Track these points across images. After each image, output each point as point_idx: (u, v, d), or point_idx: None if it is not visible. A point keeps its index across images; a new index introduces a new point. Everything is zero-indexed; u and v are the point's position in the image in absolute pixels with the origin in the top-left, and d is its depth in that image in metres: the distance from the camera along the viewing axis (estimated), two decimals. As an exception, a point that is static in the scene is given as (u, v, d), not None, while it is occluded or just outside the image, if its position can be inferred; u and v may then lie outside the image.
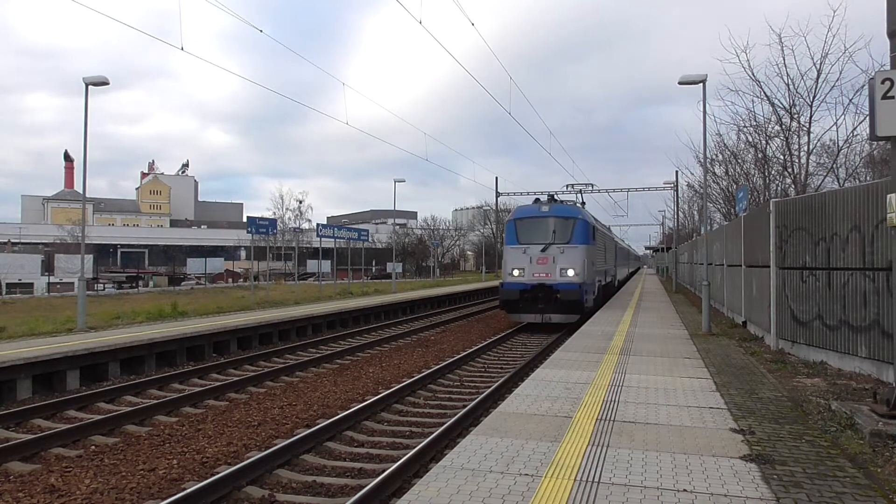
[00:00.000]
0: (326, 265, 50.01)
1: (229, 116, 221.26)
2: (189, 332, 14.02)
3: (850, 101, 18.02)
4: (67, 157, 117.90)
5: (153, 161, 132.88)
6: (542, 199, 20.12)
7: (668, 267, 58.08)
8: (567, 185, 26.87)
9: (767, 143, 22.18)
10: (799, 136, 20.01)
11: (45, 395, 10.33)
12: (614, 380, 8.26)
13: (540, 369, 9.17)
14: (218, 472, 6.24)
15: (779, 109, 20.06)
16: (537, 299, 17.71)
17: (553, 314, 17.70)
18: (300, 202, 67.46)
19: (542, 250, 17.98)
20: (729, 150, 26.05)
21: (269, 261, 49.69)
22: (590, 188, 27.37)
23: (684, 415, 6.44)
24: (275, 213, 62.00)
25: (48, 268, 54.48)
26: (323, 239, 32.87)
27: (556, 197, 20.38)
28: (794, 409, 6.80)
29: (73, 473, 6.53)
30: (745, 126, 22.35)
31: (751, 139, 23.29)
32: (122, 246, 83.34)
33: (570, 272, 17.63)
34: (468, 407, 8.67)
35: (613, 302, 23.01)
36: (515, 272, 18.19)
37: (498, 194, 51.87)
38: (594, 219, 21.65)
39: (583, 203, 22.91)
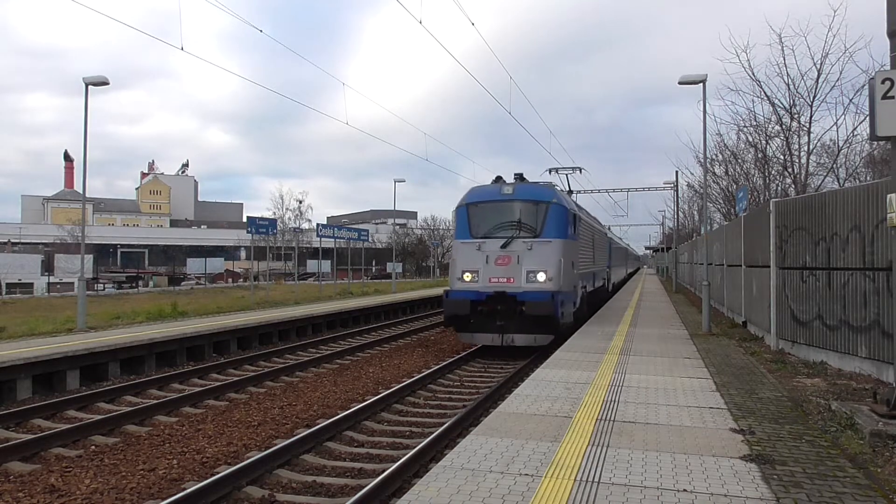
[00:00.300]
0: (326, 265, 50.03)
1: (229, 116, 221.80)
2: (189, 332, 14.03)
3: (851, 101, 18.07)
4: (67, 157, 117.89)
5: (153, 161, 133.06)
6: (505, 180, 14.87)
7: (667, 267, 58.09)
8: (549, 170, 19.97)
9: (767, 143, 22.20)
10: (799, 136, 20.04)
11: (45, 395, 10.33)
12: (614, 380, 8.26)
13: (540, 369, 9.16)
14: (218, 472, 6.24)
15: (779, 109, 20.09)
16: (495, 313, 13.06)
17: (516, 334, 13.06)
18: (300, 202, 67.46)
19: (503, 246, 13.45)
20: (729, 150, 26.09)
21: (269, 261, 49.72)
22: (577, 171, 20.52)
23: (684, 415, 6.44)
24: (275, 213, 61.98)
25: (48, 268, 54.56)
26: (323, 239, 32.92)
27: (524, 176, 15.11)
28: (794, 409, 6.80)
29: (73, 473, 6.53)
30: (745, 126, 22.37)
31: (751, 139, 23.32)
32: (122, 246, 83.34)
33: (541, 276, 13.06)
34: (468, 407, 8.67)
35: (612, 304, 22.80)
36: (466, 276, 13.55)
37: (498, 194, 51.75)
38: (577, 206, 17.11)
39: (570, 192, 18.52)
